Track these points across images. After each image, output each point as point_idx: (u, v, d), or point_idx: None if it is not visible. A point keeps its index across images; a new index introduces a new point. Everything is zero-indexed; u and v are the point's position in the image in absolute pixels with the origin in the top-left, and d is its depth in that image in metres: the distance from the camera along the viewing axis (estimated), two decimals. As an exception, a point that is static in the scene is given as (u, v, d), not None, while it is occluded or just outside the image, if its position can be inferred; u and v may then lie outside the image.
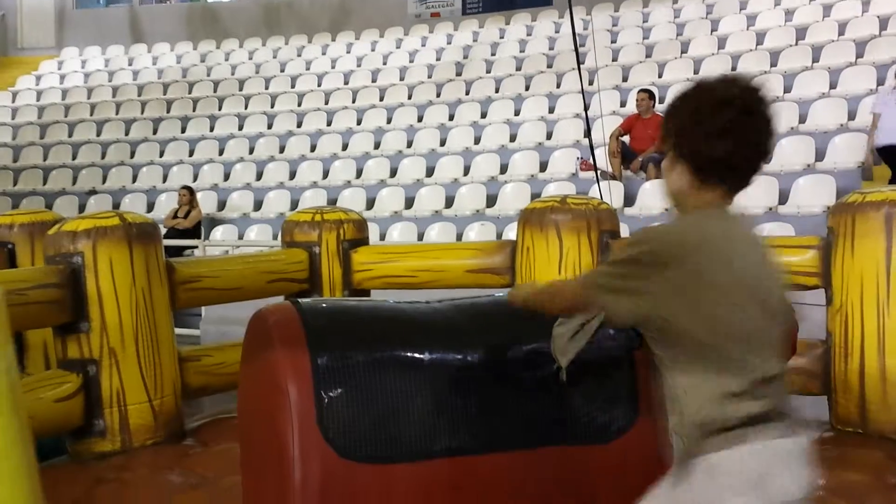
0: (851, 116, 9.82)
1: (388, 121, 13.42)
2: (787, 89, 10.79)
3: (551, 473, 2.19)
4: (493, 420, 2.12)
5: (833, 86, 10.58)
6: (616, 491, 2.23)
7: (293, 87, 15.51)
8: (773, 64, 11.53)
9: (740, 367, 1.71)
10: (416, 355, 2.17)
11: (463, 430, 2.13)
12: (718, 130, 1.76)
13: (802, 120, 10.08)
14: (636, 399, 2.27)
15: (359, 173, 12.23)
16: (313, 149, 13.25)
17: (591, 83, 11.11)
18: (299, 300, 2.35)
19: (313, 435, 2.02)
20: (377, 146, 12.76)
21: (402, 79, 14.77)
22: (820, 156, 9.33)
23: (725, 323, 1.70)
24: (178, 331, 3.99)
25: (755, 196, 8.80)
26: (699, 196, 1.81)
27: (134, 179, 13.71)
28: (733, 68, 11.73)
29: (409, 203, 11.04)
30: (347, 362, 2.12)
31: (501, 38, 15.45)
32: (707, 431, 1.71)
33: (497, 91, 13.12)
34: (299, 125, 14.03)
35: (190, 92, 16.10)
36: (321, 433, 2.03)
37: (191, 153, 14.07)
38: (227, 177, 13.13)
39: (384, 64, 15.62)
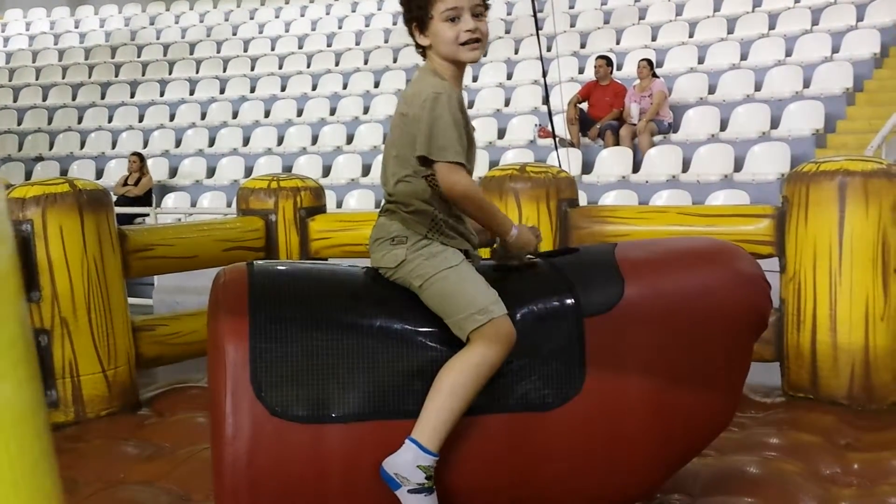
0: (807, 84, 9.93)
1: (344, 86, 13.29)
2: (744, 56, 10.87)
3: (491, 440, 2.19)
4: (428, 386, 2.14)
5: (789, 53, 10.67)
6: (561, 458, 2.24)
7: (246, 51, 15.27)
8: (730, 31, 11.59)
9: None
10: (356, 320, 2.20)
11: (397, 394, 2.15)
12: None
13: (758, 87, 10.16)
14: (583, 365, 2.23)
15: (314, 140, 12.12)
16: (267, 114, 13.09)
17: (549, 49, 11.08)
18: (255, 262, 2.37)
19: (245, 392, 2.09)
20: (333, 112, 12.64)
21: (357, 43, 14.61)
22: (775, 123, 9.43)
23: None
24: (130, 300, 3.92)
25: (710, 163, 8.91)
26: None
27: (82, 146, 13.44)
28: (690, 35, 11.80)
29: (367, 170, 10.97)
30: (285, 323, 2.16)
31: (458, 2, 15.29)
32: None
33: (454, 57, 13.02)
34: (252, 90, 13.83)
35: (139, 55, 15.78)
36: (253, 391, 2.09)
37: (141, 118, 13.82)
38: (178, 143, 12.93)
39: (339, 28, 15.43)
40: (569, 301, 2.27)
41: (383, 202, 2.38)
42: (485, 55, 12.67)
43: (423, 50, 2.36)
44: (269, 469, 2.09)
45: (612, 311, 2.26)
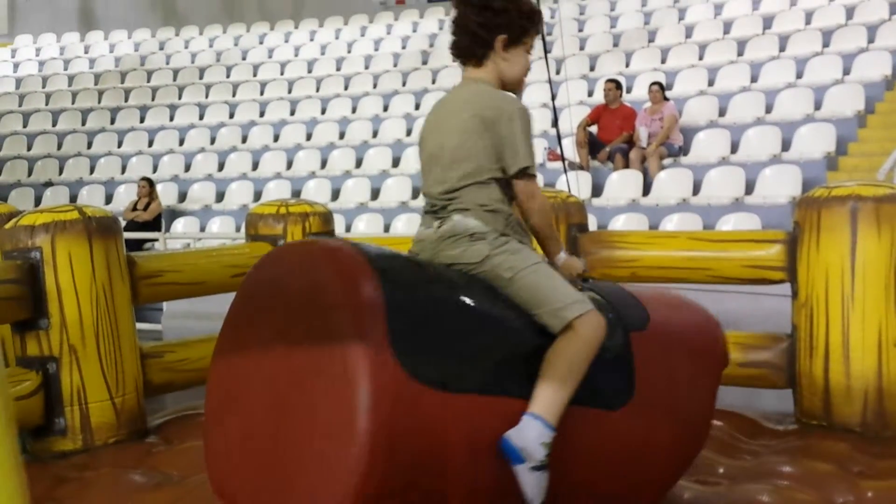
0: (818, 106, 9.90)
1: (353, 110, 13.33)
2: (754, 79, 10.87)
3: (571, 431, 2.25)
4: (534, 371, 2.20)
5: (799, 75, 10.66)
6: (612, 458, 2.35)
7: (255, 75, 15.34)
8: (741, 53, 11.60)
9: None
10: (468, 299, 2.23)
11: (509, 373, 2.20)
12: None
13: (769, 110, 10.14)
14: (633, 374, 2.38)
15: (323, 164, 12.14)
16: (276, 139, 13.13)
17: (558, 72, 11.11)
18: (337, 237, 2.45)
19: (387, 357, 1.98)
20: (342, 136, 12.67)
21: (367, 67, 14.67)
22: (786, 146, 9.40)
23: None
24: (139, 326, 3.91)
25: (721, 186, 8.89)
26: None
27: (91, 171, 13.49)
28: (700, 58, 11.81)
29: (375, 194, 10.98)
30: (411, 290, 2.14)
31: (467, 26, 15.36)
32: None
33: (463, 80, 13.05)
34: (262, 114, 13.88)
35: (149, 80, 15.87)
36: (394, 355, 1.99)
37: (150, 143, 13.87)
38: (187, 168, 12.96)
39: (349, 52, 15.50)
40: (615, 315, 2.41)
41: (440, 201, 2.40)
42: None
43: (476, 61, 2.44)
44: (408, 436, 2.00)
45: (647, 329, 2.48)
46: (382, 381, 1.96)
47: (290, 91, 14.44)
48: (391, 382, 1.97)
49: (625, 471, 2.40)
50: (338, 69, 14.88)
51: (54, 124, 15.04)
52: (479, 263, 2.30)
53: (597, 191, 9.64)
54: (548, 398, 2.15)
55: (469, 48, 2.44)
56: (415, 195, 10.49)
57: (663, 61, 12.05)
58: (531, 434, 2.11)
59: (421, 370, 2.02)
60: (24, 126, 15.16)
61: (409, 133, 12.20)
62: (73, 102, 15.59)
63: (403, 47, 15.10)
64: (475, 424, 2.12)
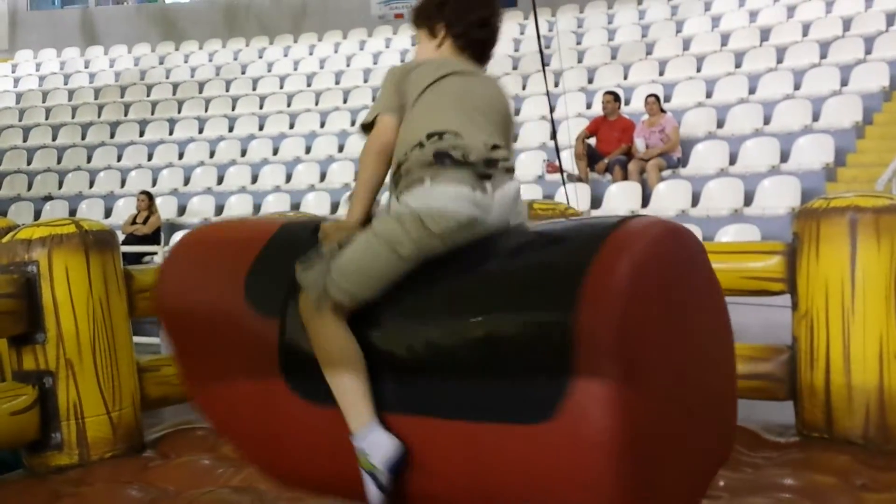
0: (816, 117, 9.92)
1: (352, 123, 13.33)
2: (752, 90, 10.89)
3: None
4: None
5: (797, 87, 10.68)
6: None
7: (255, 89, 15.37)
8: (738, 65, 11.63)
9: None
10: None
11: None
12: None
13: (767, 121, 10.15)
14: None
15: (322, 177, 12.15)
16: (276, 152, 13.14)
17: (556, 85, 11.14)
18: None
19: None
20: (341, 149, 12.68)
21: (366, 81, 14.71)
22: (784, 157, 9.41)
23: None
24: (137, 339, 3.89)
25: (720, 198, 8.89)
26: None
27: (91, 185, 13.49)
28: (698, 70, 11.84)
29: (374, 206, 10.97)
30: None
31: (465, 40, 15.41)
32: None
33: (462, 93, 13.09)
34: (261, 128, 13.90)
35: (148, 95, 15.90)
36: None
37: (150, 157, 13.89)
38: (187, 181, 12.97)
39: (347, 66, 15.55)
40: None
41: (493, 154, 2.26)
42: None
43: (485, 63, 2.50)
44: None
45: None
46: None
47: (289, 105, 14.46)
48: None
49: None
50: (337, 83, 14.91)
51: (54, 139, 15.05)
52: None
53: (596, 202, 9.64)
54: None
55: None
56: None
57: (661, 73, 12.08)
58: None
59: None
60: (24, 140, 15.18)
61: (407, 146, 12.21)
62: (73, 117, 15.62)
63: (402, 61, 15.13)
64: None
